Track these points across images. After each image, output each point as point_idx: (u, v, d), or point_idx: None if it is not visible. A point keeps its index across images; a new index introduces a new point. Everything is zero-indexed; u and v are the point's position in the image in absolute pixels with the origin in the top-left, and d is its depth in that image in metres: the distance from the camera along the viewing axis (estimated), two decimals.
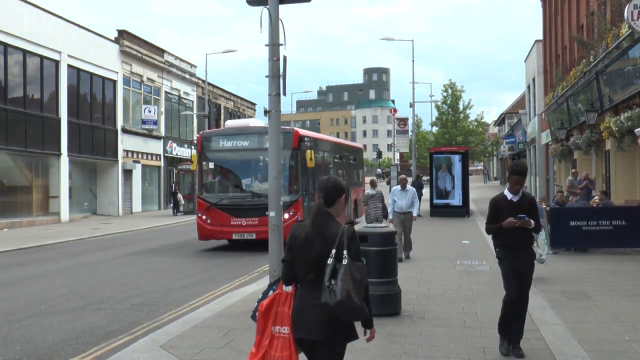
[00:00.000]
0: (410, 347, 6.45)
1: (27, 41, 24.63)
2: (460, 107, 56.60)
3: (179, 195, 32.09)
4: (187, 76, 40.01)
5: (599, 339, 6.73)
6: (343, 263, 3.61)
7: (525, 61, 42.56)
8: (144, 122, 34.15)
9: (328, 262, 3.63)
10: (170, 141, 37.39)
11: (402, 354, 6.23)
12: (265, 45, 8.61)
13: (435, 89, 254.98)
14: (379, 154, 70.48)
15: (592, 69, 19.52)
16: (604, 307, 8.26)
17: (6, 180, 25.03)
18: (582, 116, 20.86)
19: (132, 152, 33.17)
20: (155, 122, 34.92)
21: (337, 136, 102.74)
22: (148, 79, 35.06)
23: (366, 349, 6.38)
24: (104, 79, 30.63)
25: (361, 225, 19.16)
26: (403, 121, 48.48)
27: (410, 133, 47.78)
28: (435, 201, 24.77)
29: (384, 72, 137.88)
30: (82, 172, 30.20)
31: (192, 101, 41.23)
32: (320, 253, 3.68)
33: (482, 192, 45.97)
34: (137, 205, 33.53)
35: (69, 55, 27.35)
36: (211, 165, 17.14)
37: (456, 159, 24.87)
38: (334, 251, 3.65)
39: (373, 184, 16.19)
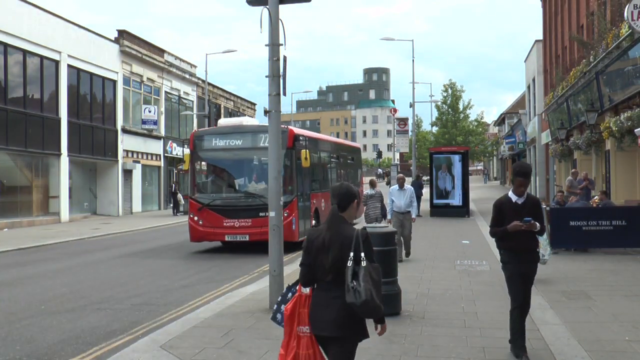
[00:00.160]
0: (410, 347, 6.46)
1: (27, 41, 24.63)
2: (460, 107, 56.55)
3: (179, 195, 32.08)
4: (187, 76, 40.01)
5: (599, 339, 6.73)
6: (362, 265, 3.85)
7: (525, 61, 42.56)
8: (144, 122, 34.16)
9: (348, 264, 3.86)
10: (170, 141, 37.40)
11: (402, 354, 6.23)
12: (265, 45, 8.62)
13: (435, 89, 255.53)
14: (379, 154, 70.58)
15: (592, 69, 19.52)
16: (604, 307, 8.27)
17: (6, 180, 25.03)
18: (582, 116, 20.86)
19: (132, 152, 33.16)
20: (155, 122, 34.92)
21: (337, 136, 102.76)
22: (148, 79, 35.06)
23: (366, 349, 6.38)
24: (104, 79, 30.63)
25: (360, 225, 19.17)
26: (403, 121, 48.51)
27: (410, 133, 47.80)
28: (435, 201, 24.77)
29: (384, 72, 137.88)
30: (82, 172, 30.20)
31: (192, 101, 41.23)
32: (337, 256, 3.92)
33: (482, 192, 45.99)
34: (137, 205, 33.53)
35: (69, 55, 27.36)
36: (204, 165, 16.76)
37: (456, 159, 24.87)
38: (351, 254, 3.87)
39: (372, 184, 16.16)
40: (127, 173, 32.52)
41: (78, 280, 11.94)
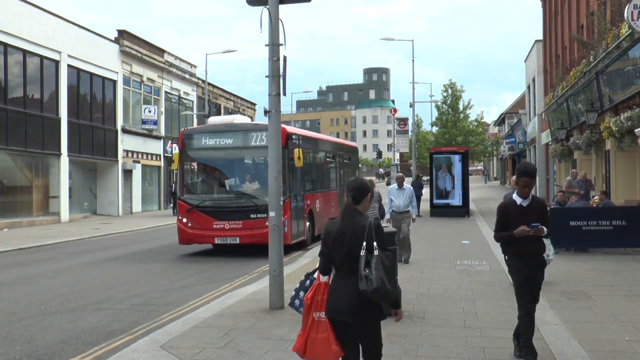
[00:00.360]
0: (410, 347, 6.45)
1: (27, 41, 24.63)
2: (460, 107, 56.59)
3: None
4: (187, 76, 40.01)
5: (599, 339, 6.73)
6: (374, 254, 4.14)
7: (525, 61, 42.57)
8: (144, 122, 34.15)
9: (361, 253, 4.15)
10: (170, 141, 37.37)
11: (402, 354, 6.23)
12: (265, 45, 8.62)
13: (435, 89, 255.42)
14: (379, 154, 70.61)
15: (592, 69, 19.52)
16: (604, 307, 8.27)
17: (6, 180, 25.03)
18: (582, 116, 20.87)
19: (132, 152, 33.16)
20: (155, 122, 34.92)
21: (337, 136, 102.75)
22: (148, 79, 35.06)
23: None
24: (104, 79, 30.63)
25: None
26: (403, 121, 48.57)
27: (410, 133, 47.84)
28: (435, 201, 24.76)
29: (384, 72, 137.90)
30: (82, 172, 30.20)
31: (192, 101, 41.24)
32: (351, 245, 4.21)
33: (482, 192, 46.00)
34: (137, 205, 33.53)
35: (69, 55, 27.36)
36: (193, 164, 16.06)
37: (456, 159, 24.88)
38: (364, 244, 4.16)
39: (371, 185, 16.17)
40: (127, 173, 32.52)
41: (78, 280, 11.94)
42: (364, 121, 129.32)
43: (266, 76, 8.68)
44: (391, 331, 7.04)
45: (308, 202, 16.52)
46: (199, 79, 41.53)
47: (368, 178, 21.90)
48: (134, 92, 34.01)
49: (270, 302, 8.44)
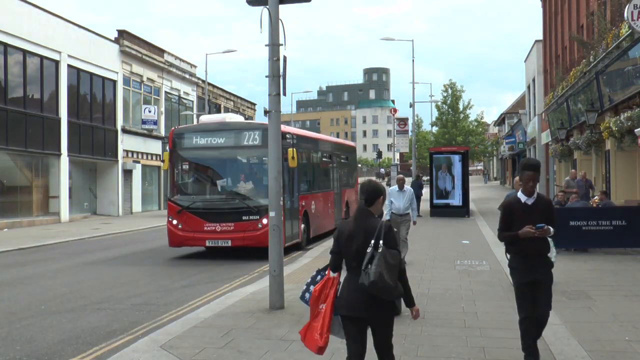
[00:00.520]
0: (410, 347, 6.45)
1: (27, 41, 24.63)
2: (460, 107, 56.62)
3: None
4: (187, 76, 40.02)
5: (599, 339, 6.73)
6: (378, 251, 4.29)
7: (525, 61, 42.58)
8: (144, 122, 34.15)
9: (367, 251, 4.31)
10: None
11: (402, 354, 6.22)
12: (265, 45, 8.62)
13: (435, 89, 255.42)
14: (379, 154, 70.57)
15: (592, 69, 19.53)
16: (604, 307, 8.26)
17: (6, 180, 25.03)
18: (582, 116, 20.87)
19: (132, 152, 33.16)
20: (155, 122, 34.91)
21: (337, 136, 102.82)
22: (148, 79, 35.07)
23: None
24: (104, 79, 30.63)
25: None
26: (403, 121, 48.53)
27: (410, 133, 47.81)
28: (435, 201, 24.76)
29: (384, 72, 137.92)
30: (82, 172, 30.20)
31: (192, 101, 41.24)
32: (362, 245, 4.38)
33: (482, 192, 46.02)
34: (137, 205, 33.54)
35: (69, 55, 27.35)
36: (184, 164, 15.54)
37: (456, 159, 24.87)
38: (372, 242, 4.33)
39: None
40: (127, 173, 32.52)
41: (78, 280, 11.94)
42: (364, 121, 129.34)
43: (266, 76, 8.68)
44: None
45: (303, 204, 16.08)
46: (199, 79, 41.53)
47: (367, 178, 21.90)
48: (134, 92, 34.01)
49: (270, 302, 8.44)
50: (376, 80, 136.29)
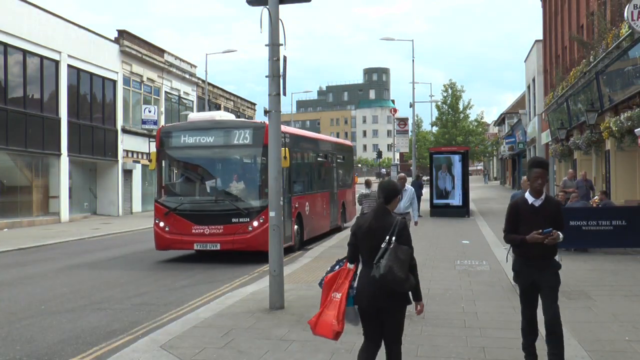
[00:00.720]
0: (410, 347, 6.45)
1: (27, 41, 24.62)
2: (460, 107, 56.62)
3: None
4: (187, 76, 40.00)
5: (599, 339, 6.73)
6: (390, 246, 4.58)
7: (525, 61, 42.59)
8: (144, 122, 34.13)
9: (382, 245, 4.60)
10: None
11: (402, 354, 6.21)
12: (265, 45, 8.62)
13: (435, 89, 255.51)
14: (379, 154, 70.57)
15: (592, 69, 19.53)
16: (604, 307, 8.26)
17: (6, 180, 25.02)
18: (582, 116, 20.88)
19: (132, 152, 33.15)
20: (155, 122, 34.87)
21: (337, 136, 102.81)
22: (148, 79, 35.05)
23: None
24: (104, 79, 30.62)
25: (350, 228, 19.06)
26: (403, 121, 48.53)
27: (410, 133, 47.81)
28: (435, 201, 24.74)
29: (384, 72, 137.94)
30: (82, 172, 30.19)
31: (192, 101, 41.23)
32: (380, 240, 4.64)
33: (482, 192, 46.01)
34: (137, 205, 33.52)
35: (69, 55, 27.34)
36: (172, 164, 15.11)
37: (456, 159, 24.86)
38: (387, 237, 4.62)
39: (367, 184, 16.14)
40: (127, 173, 32.51)
41: (78, 280, 11.94)
42: (364, 121, 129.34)
43: (266, 76, 8.68)
44: None
45: (296, 205, 15.56)
46: (199, 79, 41.52)
47: (365, 178, 21.74)
48: (134, 92, 34.00)
49: (270, 302, 8.44)
50: (376, 80, 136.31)
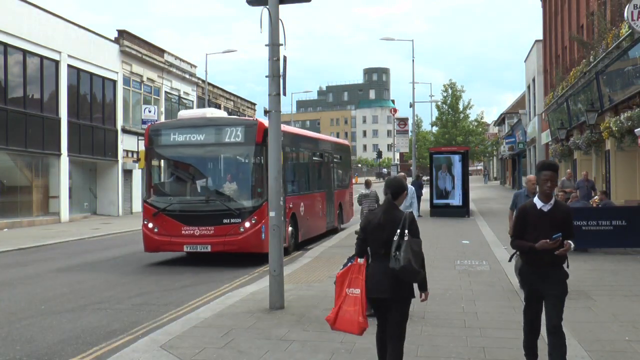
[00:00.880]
0: (410, 347, 6.44)
1: (27, 41, 24.62)
2: (460, 107, 56.61)
3: None
4: (187, 76, 40.00)
5: (599, 339, 6.73)
6: (405, 239, 4.84)
7: (525, 61, 42.60)
8: (144, 122, 34.05)
9: (394, 239, 4.86)
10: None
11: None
12: (265, 45, 8.62)
13: (435, 89, 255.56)
14: (379, 154, 70.60)
15: (592, 69, 19.54)
16: (604, 307, 8.26)
17: (6, 180, 25.02)
18: (582, 116, 20.88)
19: (132, 152, 33.15)
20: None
21: (337, 136, 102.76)
22: (148, 79, 35.05)
23: (366, 348, 6.38)
24: (104, 79, 30.62)
25: (353, 227, 19.01)
26: (403, 121, 48.54)
27: (410, 133, 47.81)
28: (435, 201, 24.73)
29: (384, 72, 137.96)
30: (82, 172, 30.19)
31: (192, 101, 41.22)
32: (390, 234, 4.91)
33: (482, 192, 46.00)
34: (137, 205, 33.47)
35: (69, 55, 27.34)
36: (161, 163, 14.73)
37: (456, 159, 24.85)
38: (398, 231, 4.88)
39: (367, 184, 16.14)
40: (127, 173, 32.51)
41: (78, 280, 11.93)
42: (364, 121, 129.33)
43: (266, 76, 8.68)
44: None
45: (290, 205, 15.12)
46: (199, 79, 41.52)
47: (365, 178, 21.58)
48: (134, 92, 34.00)
49: (270, 302, 8.43)
50: (376, 80, 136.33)
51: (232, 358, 6.26)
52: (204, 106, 39.27)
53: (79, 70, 28.42)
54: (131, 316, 8.67)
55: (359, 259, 5.12)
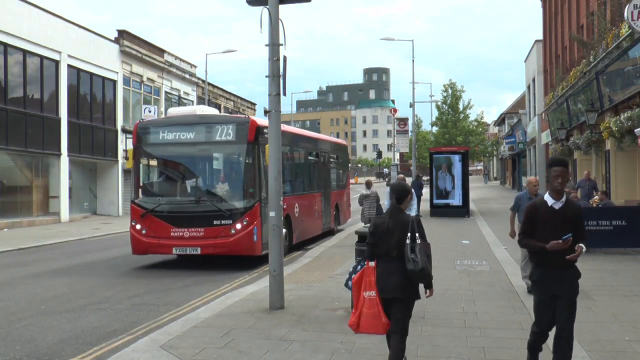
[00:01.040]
0: (410, 347, 6.44)
1: (27, 41, 24.61)
2: (460, 107, 56.58)
3: None
4: (187, 76, 40.01)
5: (599, 339, 6.73)
6: (417, 242, 5.17)
7: (525, 61, 42.59)
8: None
9: (407, 242, 5.14)
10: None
11: None
12: (265, 45, 8.62)
13: (435, 89, 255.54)
14: (379, 154, 70.62)
15: (592, 69, 19.53)
16: (604, 307, 8.26)
17: (6, 180, 25.02)
18: (582, 116, 20.87)
19: None
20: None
21: (337, 136, 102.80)
22: (148, 79, 35.06)
23: (366, 348, 6.39)
24: (104, 79, 30.62)
25: (354, 226, 18.99)
26: (403, 121, 48.54)
27: (410, 133, 47.80)
28: (435, 201, 24.74)
29: (384, 72, 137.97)
30: (82, 172, 30.18)
31: (192, 101, 41.21)
32: (399, 237, 5.20)
33: (482, 192, 46.00)
34: None
35: (69, 55, 27.34)
36: (150, 162, 14.39)
37: (456, 159, 24.85)
38: (409, 234, 5.16)
39: (368, 185, 16.13)
40: (127, 173, 32.36)
41: (78, 280, 11.93)
42: (364, 121, 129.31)
43: (266, 76, 8.68)
44: None
45: (284, 206, 14.53)
46: (199, 79, 41.52)
47: (366, 179, 21.44)
48: (134, 92, 34.00)
49: (270, 302, 8.43)
50: (376, 80, 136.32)
51: (232, 358, 6.26)
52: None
53: (79, 70, 28.41)
54: (131, 316, 8.67)
55: (370, 262, 5.36)
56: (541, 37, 35.68)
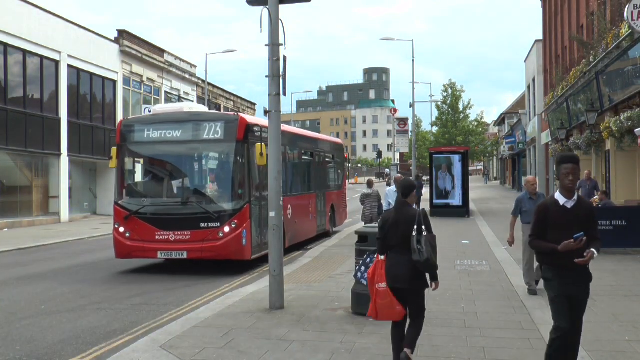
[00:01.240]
0: None
1: (27, 41, 24.61)
2: (460, 107, 56.55)
3: None
4: (187, 76, 40.00)
5: (599, 339, 6.73)
6: (423, 234, 5.42)
7: (525, 61, 42.58)
8: None
9: (413, 234, 5.40)
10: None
11: None
12: (265, 45, 8.62)
13: (435, 89, 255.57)
14: (379, 154, 70.62)
15: (592, 69, 19.52)
16: (604, 307, 8.26)
17: (6, 180, 25.01)
18: (582, 116, 20.86)
19: None
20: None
21: (337, 136, 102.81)
22: (148, 79, 35.05)
23: (366, 349, 6.39)
24: (104, 79, 30.61)
25: (355, 226, 18.98)
26: (403, 121, 48.56)
27: (410, 133, 47.80)
28: (435, 201, 24.74)
29: (384, 72, 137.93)
30: (82, 172, 30.18)
31: (192, 101, 41.22)
32: (406, 230, 5.48)
33: (482, 192, 46.00)
34: None
35: (69, 55, 27.33)
36: (134, 162, 13.92)
37: (456, 159, 24.86)
38: (416, 227, 5.42)
39: (369, 184, 16.12)
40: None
41: (78, 280, 11.93)
42: (364, 121, 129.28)
43: (266, 76, 8.68)
44: None
45: None
46: (199, 79, 41.52)
47: (367, 178, 21.38)
48: (134, 92, 33.99)
49: (270, 302, 8.43)
50: (376, 80, 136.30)
51: (232, 358, 6.26)
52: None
53: (79, 70, 28.41)
54: (131, 316, 8.67)
55: (380, 256, 5.67)
56: (541, 37, 35.68)
